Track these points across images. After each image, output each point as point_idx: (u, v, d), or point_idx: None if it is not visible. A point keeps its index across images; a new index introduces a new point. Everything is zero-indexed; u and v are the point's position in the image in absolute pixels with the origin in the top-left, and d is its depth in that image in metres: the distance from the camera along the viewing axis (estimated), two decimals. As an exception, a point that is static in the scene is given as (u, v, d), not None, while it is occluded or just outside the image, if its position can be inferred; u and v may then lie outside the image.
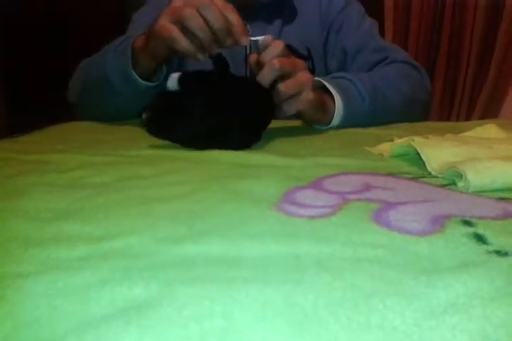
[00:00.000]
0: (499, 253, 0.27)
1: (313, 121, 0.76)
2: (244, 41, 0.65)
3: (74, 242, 0.29)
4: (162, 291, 0.22)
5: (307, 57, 1.02)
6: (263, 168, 0.47)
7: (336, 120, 0.76)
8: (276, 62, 0.64)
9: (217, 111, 0.55)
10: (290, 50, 1.02)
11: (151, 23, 0.69)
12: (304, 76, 0.68)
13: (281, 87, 0.65)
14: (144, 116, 0.54)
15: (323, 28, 1.02)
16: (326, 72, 1.03)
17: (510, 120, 0.92)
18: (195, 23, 0.62)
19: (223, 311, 0.20)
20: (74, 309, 0.21)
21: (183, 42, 0.64)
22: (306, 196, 0.38)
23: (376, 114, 0.79)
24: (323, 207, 0.35)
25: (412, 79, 0.90)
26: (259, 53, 0.67)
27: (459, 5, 1.88)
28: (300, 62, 0.70)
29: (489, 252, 0.27)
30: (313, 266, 0.25)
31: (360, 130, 0.74)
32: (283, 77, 0.66)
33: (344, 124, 0.76)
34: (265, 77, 0.63)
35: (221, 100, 0.56)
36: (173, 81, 0.56)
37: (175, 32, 0.63)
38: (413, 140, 0.50)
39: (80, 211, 0.34)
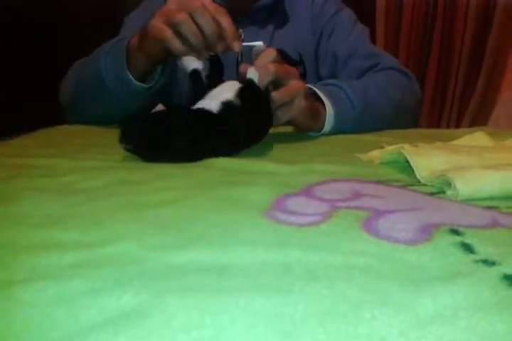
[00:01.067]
0: (486, 262, 0.27)
1: (305, 128, 0.76)
2: (237, 47, 0.66)
3: (64, 249, 0.28)
4: (152, 301, 0.22)
5: (299, 62, 1.03)
6: (254, 175, 0.47)
7: (326, 127, 0.76)
8: (271, 67, 0.65)
9: (202, 141, 0.54)
10: (282, 55, 1.03)
11: (145, 23, 0.69)
12: (296, 84, 0.68)
13: (275, 95, 0.65)
14: (123, 147, 0.52)
15: (315, 33, 1.02)
16: (317, 77, 1.04)
17: (499, 128, 0.93)
18: (188, 29, 0.63)
19: (213, 321, 0.21)
20: (64, 318, 0.21)
21: (176, 44, 0.64)
22: (297, 203, 0.38)
23: (366, 121, 0.80)
24: (313, 214, 0.35)
25: (402, 87, 0.90)
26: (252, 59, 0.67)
27: (449, 11, 1.90)
28: (293, 70, 0.71)
29: (476, 262, 0.27)
30: (303, 275, 0.25)
31: (351, 136, 0.74)
32: (276, 84, 0.66)
33: (335, 131, 0.77)
34: (260, 82, 0.64)
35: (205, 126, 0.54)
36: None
37: (168, 33, 0.64)
38: (403, 148, 0.51)
39: (70, 217, 0.34)
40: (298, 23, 1.02)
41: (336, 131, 0.77)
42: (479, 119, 1.94)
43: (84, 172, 0.48)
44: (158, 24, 0.66)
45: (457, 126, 1.93)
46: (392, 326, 0.20)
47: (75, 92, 0.85)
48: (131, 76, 0.74)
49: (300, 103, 0.69)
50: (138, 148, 0.53)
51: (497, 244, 0.30)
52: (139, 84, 0.75)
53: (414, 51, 2.01)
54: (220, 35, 0.65)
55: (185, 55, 0.65)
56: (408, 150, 0.49)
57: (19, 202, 0.38)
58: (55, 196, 0.40)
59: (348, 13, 1.04)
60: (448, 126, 1.96)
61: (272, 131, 0.73)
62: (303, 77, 1.03)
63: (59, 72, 0.91)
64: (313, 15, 1.02)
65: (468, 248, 0.29)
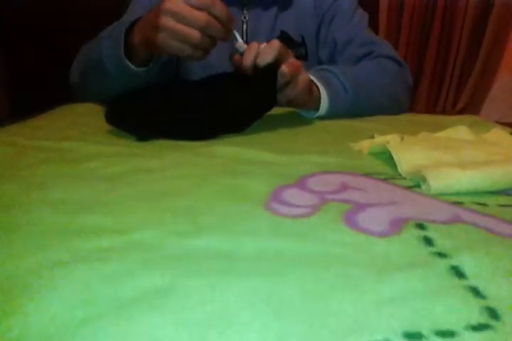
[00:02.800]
0: (440, 254, 0.34)
1: (302, 103, 0.82)
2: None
3: (98, 234, 0.35)
4: (174, 280, 0.29)
5: (301, 44, 1.08)
6: (254, 164, 0.54)
7: (321, 109, 0.82)
8: (276, 42, 0.70)
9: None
10: (285, 36, 1.07)
11: (148, 31, 0.71)
12: (295, 61, 0.73)
13: (284, 68, 0.70)
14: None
15: (317, 18, 1.06)
16: (318, 60, 1.08)
17: (486, 118, 0.99)
18: (205, 43, 0.68)
19: (222, 298, 0.27)
20: (108, 293, 0.28)
21: (197, 56, 0.70)
22: (292, 195, 0.45)
23: (358, 105, 0.86)
24: (305, 206, 0.42)
25: (392, 74, 0.96)
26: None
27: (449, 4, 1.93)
28: (288, 51, 0.75)
29: (432, 253, 0.34)
30: (292, 262, 0.32)
31: (344, 122, 0.80)
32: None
33: (329, 114, 0.83)
34: (267, 55, 0.69)
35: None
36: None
37: (188, 51, 0.68)
38: (388, 142, 0.57)
39: (99, 204, 0.41)
40: (301, 7, 1.06)
41: (331, 113, 0.83)
42: (475, 100, 1.99)
43: (105, 158, 0.54)
44: (170, 42, 0.67)
45: (454, 105, 1.98)
46: (357, 305, 0.27)
47: (81, 74, 0.90)
48: (128, 62, 0.77)
49: (305, 77, 0.74)
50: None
51: (452, 238, 0.36)
52: (138, 69, 0.78)
53: (415, 36, 2.04)
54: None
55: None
56: (392, 145, 0.56)
57: (53, 189, 0.44)
58: (83, 182, 0.46)
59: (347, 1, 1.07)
60: (445, 106, 2.01)
61: (272, 113, 0.79)
62: (305, 59, 1.08)
63: (59, 55, 0.96)
64: (316, 0, 1.06)
65: (428, 241, 0.36)
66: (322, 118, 0.83)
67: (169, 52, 0.70)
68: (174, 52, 0.69)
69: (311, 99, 0.81)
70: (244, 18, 1.04)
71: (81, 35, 0.91)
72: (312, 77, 0.81)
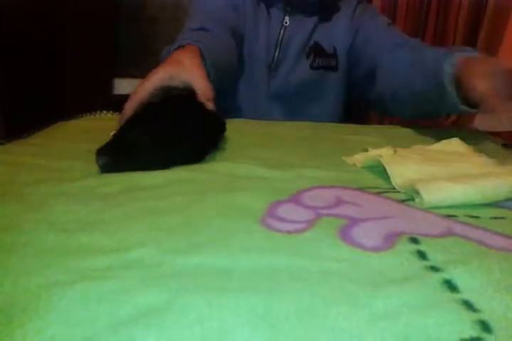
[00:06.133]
0: (433, 268, 0.34)
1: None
2: None
3: (95, 253, 0.35)
4: (171, 298, 0.29)
5: (332, 55, 1.11)
6: (251, 180, 0.54)
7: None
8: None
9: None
10: (317, 47, 1.12)
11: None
12: None
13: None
14: (100, 162, 0.56)
15: (350, 33, 1.11)
16: (349, 70, 1.13)
17: (478, 131, 1.01)
18: None
19: (219, 315, 0.28)
20: (106, 312, 0.28)
21: None
22: (287, 210, 0.45)
23: None
24: (300, 222, 0.42)
25: None
26: None
27: (442, 7, 1.96)
28: None
29: (426, 267, 0.34)
30: (288, 278, 0.32)
31: (337, 135, 0.81)
32: None
33: None
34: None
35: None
36: None
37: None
38: (381, 156, 0.57)
39: (95, 223, 0.41)
40: (339, 21, 1.12)
41: None
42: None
43: (102, 176, 0.54)
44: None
45: (447, 116, 2.00)
46: (351, 320, 0.28)
47: None
48: None
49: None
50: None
51: (445, 252, 0.37)
52: None
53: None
54: None
55: None
56: (385, 159, 0.56)
57: (52, 208, 0.44)
58: (81, 201, 0.46)
59: (382, 18, 1.14)
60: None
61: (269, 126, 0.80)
62: (335, 69, 1.11)
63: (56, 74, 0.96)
64: (354, 17, 1.12)
65: (422, 255, 0.36)
66: None
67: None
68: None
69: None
70: (286, 23, 1.07)
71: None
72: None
